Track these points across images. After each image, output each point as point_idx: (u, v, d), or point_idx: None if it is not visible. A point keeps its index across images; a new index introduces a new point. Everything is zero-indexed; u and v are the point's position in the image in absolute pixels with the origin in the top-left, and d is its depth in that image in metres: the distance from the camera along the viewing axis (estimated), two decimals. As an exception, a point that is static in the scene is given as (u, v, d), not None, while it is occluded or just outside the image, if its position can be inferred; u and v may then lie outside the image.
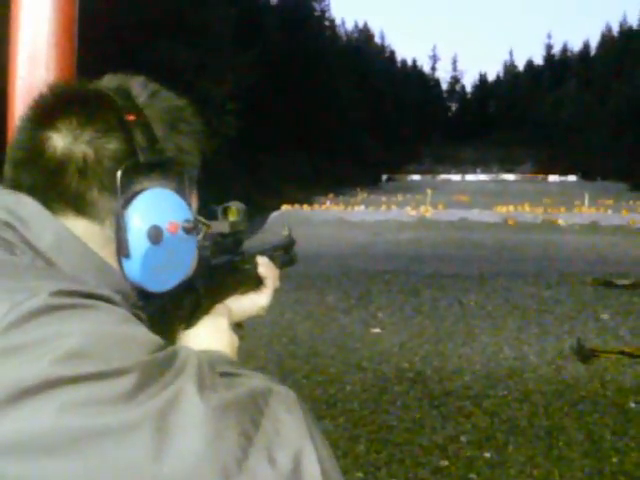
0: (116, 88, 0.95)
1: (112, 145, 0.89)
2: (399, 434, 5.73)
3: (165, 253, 0.93)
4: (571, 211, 30.86)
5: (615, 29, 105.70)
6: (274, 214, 28.46)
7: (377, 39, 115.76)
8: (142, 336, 0.76)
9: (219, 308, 1.21)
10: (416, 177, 74.52)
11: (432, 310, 10.72)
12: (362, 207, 32.44)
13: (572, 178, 72.40)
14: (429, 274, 14.57)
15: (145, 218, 0.90)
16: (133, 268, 0.91)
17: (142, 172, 0.91)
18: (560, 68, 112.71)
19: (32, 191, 0.89)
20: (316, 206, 33.04)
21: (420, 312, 10.54)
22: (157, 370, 0.71)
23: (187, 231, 0.95)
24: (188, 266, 1.01)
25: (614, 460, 5.21)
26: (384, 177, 70.45)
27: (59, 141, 0.88)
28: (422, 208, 31.01)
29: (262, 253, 1.40)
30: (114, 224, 0.90)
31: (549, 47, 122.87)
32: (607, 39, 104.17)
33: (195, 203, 1.04)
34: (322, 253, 18.19)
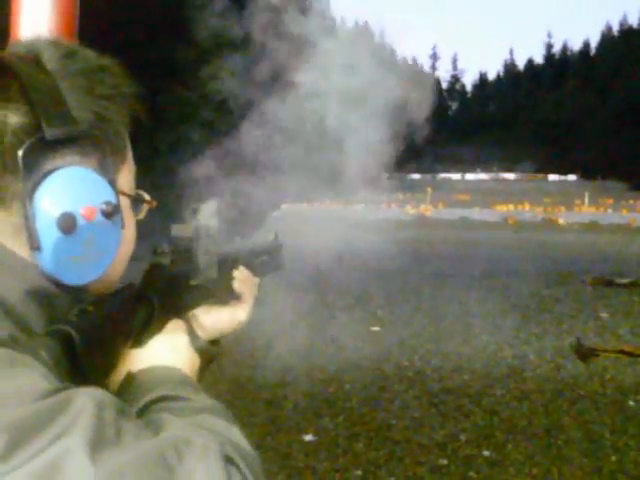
0: (23, 54, 0.82)
1: (13, 118, 0.77)
2: (398, 432, 5.73)
3: (81, 242, 0.80)
4: (571, 210, 30.93)
5: (615, 28, 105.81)
6: (273, 213, 28.42)
7: (377, 38, 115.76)
8: (21, 385, 0.64)
9: (177, 323, 1.06)
10: (416, 176, 74.56)
11: (431, 309, 10.72)
12: (362, 206, 32.44)
13: (572, 177, 72.46)
14: (429, 273, 14.58)
15: (55, 204, 0.77)
16: (45, 260, 0.79)
17: (51, 149, 0.78)
18: (560, 67, 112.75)
19: None
20: (316, 205, 33.04)
21: (419, 311, 10.55)
22: (36, 426, 0.60)
23: (107, 215, 0.82)
24: (112, 255, 0.86)
25: (613, 459, 5.21)
26: (384, 176, 70.49)
27: None
28: (422, 207, 31.05)
29: (237, 261, 1.27)
30: (22, 211, 0.78)
31: (549, 46, 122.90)
32: (607, 38, 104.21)
33: (129, 175, 0.91)
34: (321, 252, 18.17)
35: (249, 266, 1.30)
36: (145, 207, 0.95)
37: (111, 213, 0.82)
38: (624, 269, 14.89)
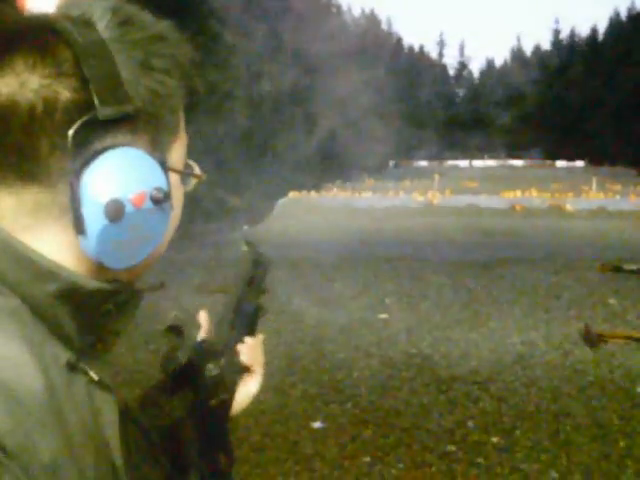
0: (76, 17, 0.76)
1: (65, 94, 0.71)
2: (406, 419, 5.75)
3: (127, 229, 0.76)
4: (579, 196, 30.77)
5: (623, 14, 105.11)
6: (281, 201, 28.44)
7: (384, 26, 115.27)
8: None
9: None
10: (423, 163, 74.41)
11: (439, 296, 10.72)
12: (369, 193, 32.40)
13: (580, 163, 72.14)
14: (436, 260, 14.57)
15: (103, 190, 0.73)
16: (89, 246, 0.74)
17: (102, 128, 0.73)
18: (568, 53, 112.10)
19: None
20: (323, 193, 33.02)
21: (427, 298, 10.55)
22: None
23: (157, 202, 0.77)
24: (159, 239, 0.83)
25: (621, 444, 5.22)
26: (391, 163, 70.32)
27: (2, 88, 0.71)
28: (429, 194, 30.98)
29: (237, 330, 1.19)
30: (68, 191, 0.73)
31: (557, 32, 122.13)
32: (615, 24, 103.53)
33: (180, 149, 0.87)
34: (329, 240, 18.20)
35: (247, 324, 1.21)
36: (194, 180, 0.90)
37: (161, 199, 0.78)
38: (632, 255, 14.85)
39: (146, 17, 0.80)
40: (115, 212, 0.73)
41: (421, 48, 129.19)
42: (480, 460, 4.98)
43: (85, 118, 0.71)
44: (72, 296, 0.75)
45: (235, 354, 1.16)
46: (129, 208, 0.75)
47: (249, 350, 1.18)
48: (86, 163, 0.72)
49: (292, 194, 30.68)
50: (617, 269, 12.79)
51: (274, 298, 9.34)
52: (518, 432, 5.48)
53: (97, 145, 0.73)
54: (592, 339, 7.93)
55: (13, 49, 0.72)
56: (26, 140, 0.71)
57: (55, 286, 0.74)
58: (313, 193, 32.01)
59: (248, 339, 1.19)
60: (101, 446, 0.77)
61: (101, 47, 0.74)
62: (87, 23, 0.75)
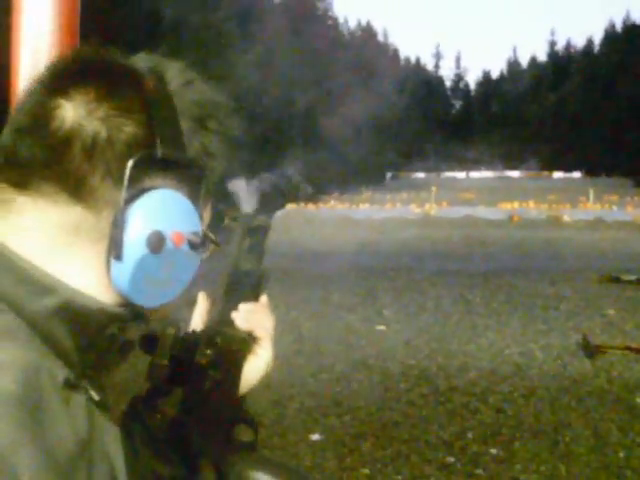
0: (148, 67, 0.82)
1: (129, 128, 0.76)
2: (405, 431, 5.73)
3: (162, 265, 0.79)
4: (576, 207, 30.84)
5: (619, 25, 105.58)
6: (278, 213, 28.45)
7: (380, 37, 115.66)
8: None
9: None
10: (420, 175, 74.58)
11: (437, 307, 10.71)
12: (367, 205, 32.44)
13: (577, 175, 72.33)
14: (434, 271, 14.57)
15: (149, 220, 0.76)
16: (122, 274, 0.76)
17: (157, 167, 0.77)
18: (564, 65, 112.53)
19: (28, 165, 0.75)
20: (321, 204, 33.06)
21: (425, 309, 10.54)
22: None
23: (193, 246, 0.81)
24: (184, 285, 0.85)
25: (620, 455, 5.20)
26: (388, 175, 70.43)
27: (70, 112, 0.75)
28: (427, 206, 31.03)
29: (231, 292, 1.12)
30: (112, 218, 0.75)
31: (553, 44, 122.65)
32: (611, 35, 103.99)
33: (207, 216, 0.90)
34: (327, 251, 18.20)
35: (247, 293, 1.13)
36: (210, 248, 0.91)
37: (197, 244, 0.82)
38: (630, 266, 14.86)
39: (206, 85, 0.87)
40: (157, 244, 0.77)
41: (417, 60, 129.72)
42: (479, 471, 4.97)
43: (145, 153, 0.75)
44: (72, 314, 0.75)
45: (231, 325, 1.06)
46: (169, 244, 0.78)
47: (248, 315, 1.08)
48: (137, 195, 0.76)
49: (290, 206, 30.70)
50: (615, 280, 12.80)
51: (271, 310, 9.32)
52: (517, 443, 5.46)
53: (148, 182, 0.77)
54: (590, 350, 7.93)
55: (86, 79, 0.77)
56: (85, 165, 0.74)
57: (52, 301, 0.74)
58: (311, 205, 32.05)
59: (244, 305, 1.08)
60: (103, 465, 0.76)
61: (167, 97, 0.80)
62: (156, 74, 0.82)
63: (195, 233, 0.81)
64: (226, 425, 0.97)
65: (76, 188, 0.75)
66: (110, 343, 0.80)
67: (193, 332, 1.03)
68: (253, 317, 1.08)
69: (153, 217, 0.77)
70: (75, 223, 0.75)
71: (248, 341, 1.07)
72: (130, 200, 0.75)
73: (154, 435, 0.93)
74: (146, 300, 0.81)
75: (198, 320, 1.12)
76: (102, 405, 0.78)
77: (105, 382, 0.83)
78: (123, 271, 0.76)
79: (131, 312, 0.81)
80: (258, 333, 1.08)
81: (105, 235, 0.76)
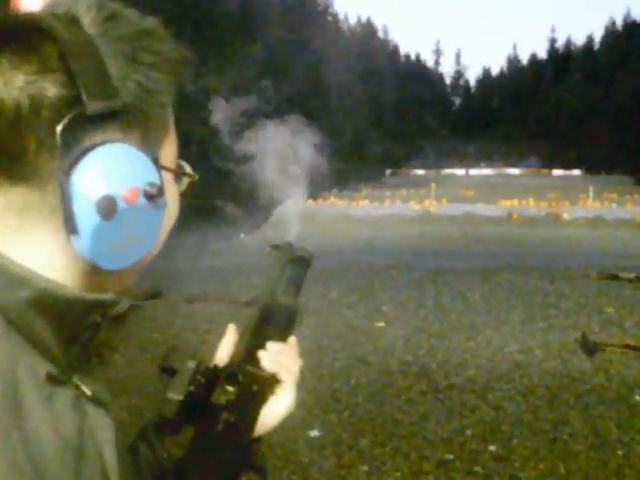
0: (62, 14, 0.74)
1: (51, 90, 0.69)
2: (404, 428, 5.73)
3: (121, 227, 0.74)
4: (575, 205, 30.86)
5: (619, 23, 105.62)
6: (278, 209, 28.44)
7: (380, 34, 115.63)
8: None
9: None
10: (420, 172, 74.48)
11: (436, 304, 10.71)
12: (366, 202, 32.44)
13: (576, 172, 72.26)
14: (433, 268, 14.57)
15: (94, 186, 0.70)
16: (83, 245, 0.72)
17: (91, 124, 0.71)
18: (564, 62, 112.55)
19: None
20: (320, 201, 33.05)
21: (424, 306, 10.54)
22: None
23: (150, 198, 0.75)
24: (153, 238, 0.80)
25: (619, 453, 5.20)
26: (388, 172, 70.42)
27: None
28: (426, 202, 31.03)
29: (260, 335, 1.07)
30: (58, 191, 0.70)
31: (553, 41, 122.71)
32: (611, 33, 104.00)
33: (171, 147, 0.84)
34: (326, 248, 18.19)
35: (279, 329, 1.09)
36: (186, 180, 0.87)
37: (154, 195, 0.75)
38: (629, 264, 14.87)
39: (131, 13, 0.78)
40: (108, 208, 0.71)
41: (417, 57, 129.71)
42: (478, 469, 4.97)
43: (73, 114, 0.69)
44: (48, 305, 0.72)
45: (256, 364, 1.01)
46: (122, 205, 0.72)
47: (275, 356, 1.04)
48: (76, 161, 0.70)
49: (288, 201, 30.64)
50: (614, 277, 12.81)
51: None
52: (516, 441, 5.46)
53: (86, 142, 0.71)
54: (590, 348, 7.93)
55: None
56: (13, 139, 0.69)
57: (26, 293, 0.70)
58: (310, 201, 32.03)
59: (272, 344, 1.05)
60: (92, 463, 0.74)
61: (87, 43, 0.72)
62: (72, 20, 0.73)
63: (151, 183, 0.75)
64: (234, 472, 0.92)
65: (11, 167, 0.70)
66: (94, 332, 0.76)
67: (215, 367, 0.98)
68: (280, 359, 1.05)
69: (98, 180, 0.71)
70: (20, 203, 0.71)
71: (271, 383, 1.02)
72: (70, 167, 0.70)
73: (160, 465, 0.91)
74: (116, 263, 0.76)
75: (224, 352, 1.07)
76: (96, 400, 0.76)
77: (99, 376, 0.79)
78: (83, 243, 0.72)
79: (112, 296, 0.77)
80: (282, 376, 1.05)
81: (56, 209, 0.71)
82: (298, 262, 1.15)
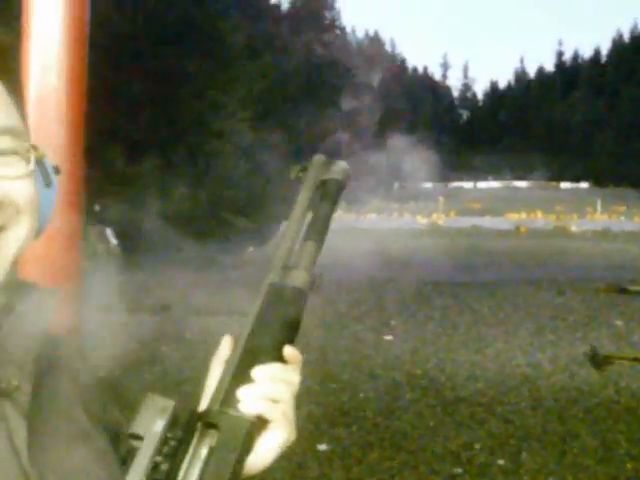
0: None
1: None
2: (412, 441, 5.71)
3: None
4: (583, 218, 30.84)
5: (626, 35, 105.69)
6: (285, 223, 28.45)
7: (388, 47, 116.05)
8: None
9: None
10: (428, 185, 74.44)
11: (444, 317, 10.69)
12: (374, 215, 32.43)
13: (584, 185, 72.17)
14: (441, 281, 14.55)
15: None
16: None
17: None
18: (571, 75, 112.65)
19: None
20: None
21: (432, 319, 10.52)
22: None
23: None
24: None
25: (629, 466, 5.17)
26: (396, 185, 70.46)
27: None
28: (434, 215, 31.01)
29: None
30: None
31: (560, 54, 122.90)
32: (618, 45, 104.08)
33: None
34: (334, 261, 18.16)
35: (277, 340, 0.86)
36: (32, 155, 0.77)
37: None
38: (637, 276, 14.81)
39: None
40: None
41: (425, 70, 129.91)
42: (487, 482, 4.95)
43: None
44: None
45: (236, 404, 0.81)
46: None
47: (262, 389, 0.83)
48: None
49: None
50: (622, 290, 12.77)
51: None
52: (524, 454, 5.44)
53: None
54: (598, 360, 7.90)
55: None
56: None
57: None
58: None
59: (261, 371, 0.83)
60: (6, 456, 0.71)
61: None
62: None
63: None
64: None
65: None
66: None
67: (191, 416, 0.80)
68: (268, 391, 0.83)
69: None
70: None
71: (255, 428, 0.82)
72: None
73: None
74: None
75: (215, 375, 0.87)
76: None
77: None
78: None
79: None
80: (270, 413, 0.83)
81: None
82: (328, 190, 0.94)
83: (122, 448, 0.81)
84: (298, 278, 0.91)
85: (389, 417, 6.29)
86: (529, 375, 7.58)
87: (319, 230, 0.94)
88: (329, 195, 0.93)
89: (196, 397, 0.86)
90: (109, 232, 23.76)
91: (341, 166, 0.93)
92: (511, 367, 7.90)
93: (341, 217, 31.84)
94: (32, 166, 0.74)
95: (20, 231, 0.73)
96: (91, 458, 0.81)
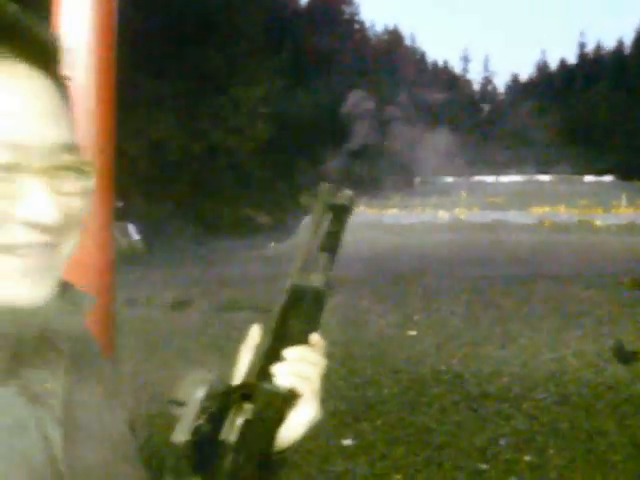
0: None
1: None
2: (437, 437, 5.69)
3: None
4: (608, 212, 30.54)
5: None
6: (307, 219, 28.50)
7: (407, 41, 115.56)
8: None
9: None
10: (450, 179, 74.13)
11: (468, 312, 10.64)
12: (396, 210, 32.37)
13: (608, 178, 71.52)
14: (464, 276, 14.49)
15: None
16: None
17: None
18: (594, 67, 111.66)
19: None
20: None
21: (456, 314, 10.48)
22: None
23: None
24: None
25: (657, 463, 5.12)
26: (418, 179, 70.18)
27: None
28: (456, 210, 30.89)
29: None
30: None
31: (582, 46, 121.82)
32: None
33: None
34: (357, 256, 18.16)
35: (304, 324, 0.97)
36: None
37: None
38: (664, 270, 14.67)
39: None
40: None
41: (445, 63, 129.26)
42: (513, 479, 4.92)
43: None
44: None
45: (272, 378, 0.90)
46: None
47: (293, 367, 0.91)
48: None
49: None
50: (648, 284, 12.64)
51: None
52: (551, 450, 5.40)
53: None
54: (625, 356, 7.82)
55: None
56: None
57: None
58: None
59: (291, 352, 0.92)
60: (39, 461, 0.71)
61: None
62: None
63: None
64: None
65: None
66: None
67: (227, 389, 0.87)
68: (298, 369, 0.92)
69: None
70: None
71: (288, 400, 0.92)
72: None
73: None
74: None
75: (246, 359, 0.95)
76: (36, 399, 0.73)
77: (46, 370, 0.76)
78: None
79: None
80: (301, 388, 0.92)
81: None
82: (336, 213, 1.03)
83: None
84: (318, 280, 1.00)
85: (413, 412, 6.27)
86: (555, 370, 7.53)
87: (332, 245, 1.03)
88: (339, 218, 1.04)
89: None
90: (131, 228, 23.95)
91: (347, 194, 1.04)
92: (536, 362, 7.85)
93: (363, 212, 31.78)
94: (90, 182, 0.74)
95: (72, 243, 0.74)
96: (121, 462, 0.83)
